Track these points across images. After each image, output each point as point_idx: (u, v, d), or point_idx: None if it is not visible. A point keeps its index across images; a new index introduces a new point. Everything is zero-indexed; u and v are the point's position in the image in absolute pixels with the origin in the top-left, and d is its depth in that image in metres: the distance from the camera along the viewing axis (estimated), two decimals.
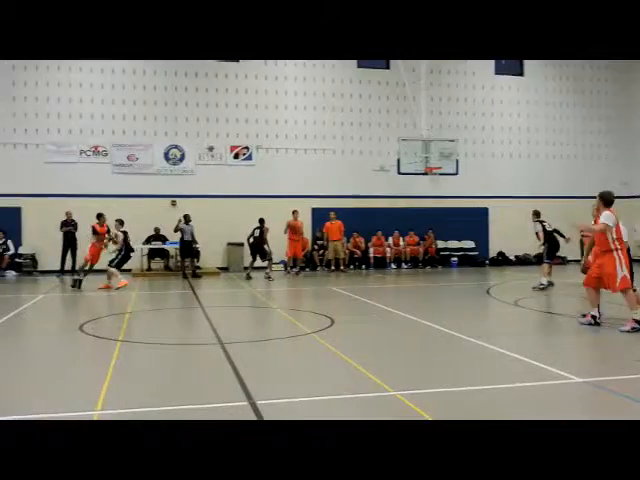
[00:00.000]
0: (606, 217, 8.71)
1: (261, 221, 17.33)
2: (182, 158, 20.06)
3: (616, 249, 8.69)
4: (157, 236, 19.15)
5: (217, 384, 6.30)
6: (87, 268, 15.03)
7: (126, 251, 14.99)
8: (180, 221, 17.57)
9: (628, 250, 9.35)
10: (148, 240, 19.09)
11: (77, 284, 14.53)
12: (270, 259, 17.38)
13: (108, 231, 15.12)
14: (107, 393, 5.74)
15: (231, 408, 5.29)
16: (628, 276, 8.75)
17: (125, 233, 15.02)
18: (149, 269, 18.90)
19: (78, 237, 17.92)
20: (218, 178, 20.06)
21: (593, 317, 8.97)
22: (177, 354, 7.85)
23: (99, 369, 6.68)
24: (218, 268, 19.33)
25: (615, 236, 8.71)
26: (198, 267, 18.51)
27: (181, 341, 8.62)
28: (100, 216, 15.21)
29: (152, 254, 19.14)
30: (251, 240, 17.40)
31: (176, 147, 20.03)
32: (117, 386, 6.05)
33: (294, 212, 18.81)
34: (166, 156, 19.98)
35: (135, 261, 18.77)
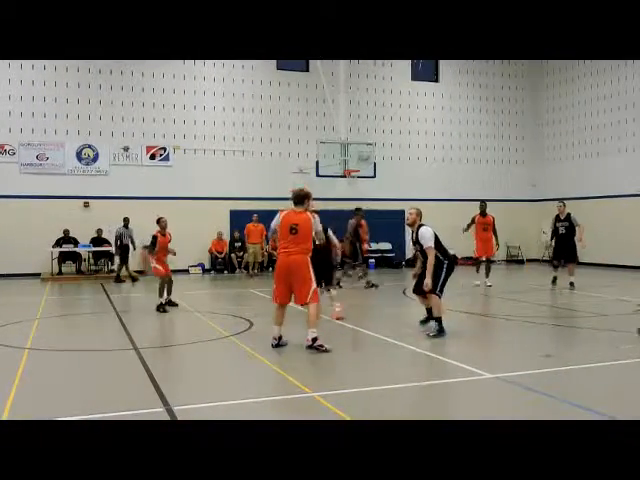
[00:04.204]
0: None
1: (358, 210, 15.28)
2: (95, 158, 19.40)
3: None
4: (67, 238, 18.43)
5: (131, 390, 6.11)
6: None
7: None
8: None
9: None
10: (58, 243, 18.33)
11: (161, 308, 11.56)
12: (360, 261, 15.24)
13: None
14: (12, 405, 5.45)
15: (146, 414, 5.13)
16: None
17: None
18: (60, 273, 18.15)
19: None
20: (133, 179, 19.52)
21: None
22: (89, 361, 7.56)
23: (3, 379, 6.34)
24: (134, 271, 18.78)
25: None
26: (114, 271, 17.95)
27: (93, 347, 8.30)
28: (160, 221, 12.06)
29: (63, 257, 18.38)
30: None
31: (89, 147, 19.34)
32: (23, 396, 5.76)
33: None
34: (78, 156, 19.26)
35: (45, 265, 18.04)
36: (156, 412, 5.17)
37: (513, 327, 9.49)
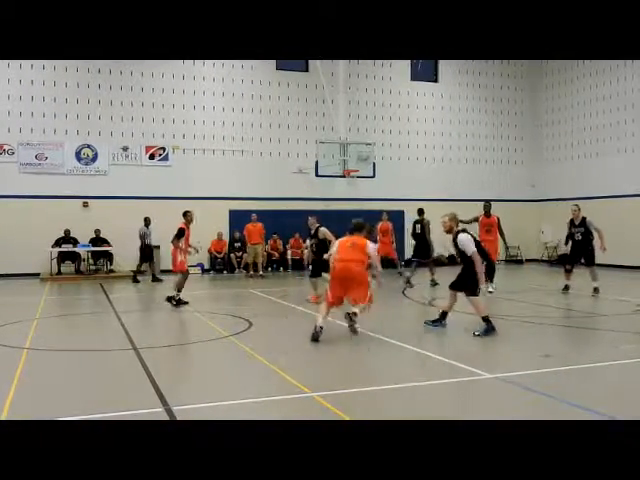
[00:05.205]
0: None
1: (421, 212, 15.87)
2: (95, 158, 19.38)
3: None
4: (67, 238, 18.41)
5: (130, 390, 6.11)
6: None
7: None
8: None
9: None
10: (58, 243, 18.31)
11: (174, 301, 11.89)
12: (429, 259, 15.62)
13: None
14: (11, 405, 5.44)
15: (146, 415, 5.13)
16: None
17: None
18: (59, 273, 18.14)
19: None
20: (133, 179, 19.50)
21: None
22: (88, 361, 7.55)
23: (2, 379, 6.33)
24: (132, 271, 18.76)
25: None
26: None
27: (92, 347, 8.30)
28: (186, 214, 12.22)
29: (62, 257, 18.36)
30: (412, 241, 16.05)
31: (88, 146, 19.32)
32: (22, 396, 5.75)
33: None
34: (77, 156, 19.25)
35: (44, 265, 18.02)
36: (155, 412, 5.17)
37: (512, 327, 9.49)
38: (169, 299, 11.85)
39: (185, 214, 12.11)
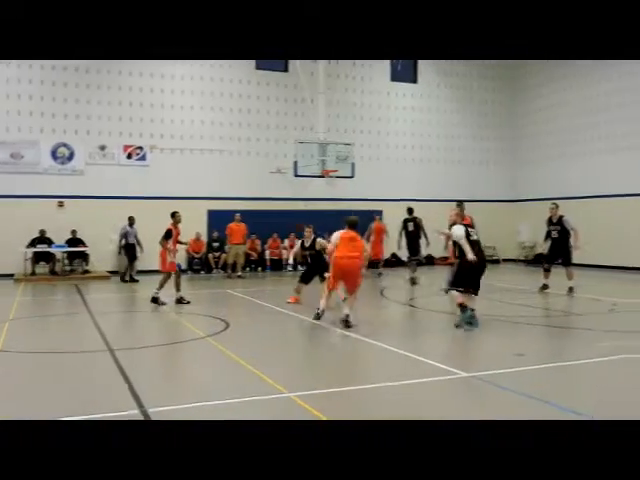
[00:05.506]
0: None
1: (411, 211, 16.26)
2: (71, 157, 19.13)
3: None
4: (43, 239, 18.15)
5: (105, 392, 6.03)
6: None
7: None
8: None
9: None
10: (33, 243, 18.05)
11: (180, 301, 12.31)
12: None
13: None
14: None
15: (121, 417, 5.06)
16: None
17: None
18: (33, 273, 17.88)
19: None
20: (109, 178, 19.26)
21: None
22: (62, 363, 7.44)
23: None
24: (108, 272, 18.59)
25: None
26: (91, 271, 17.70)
27: (66, 349, 8.18)
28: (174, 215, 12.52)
29: (37, 258, 18.10)
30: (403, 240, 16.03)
31: (65, 145, 19.07)
32: None
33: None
34: (54, 154, 18.98)
35: (18, 265, 17.76)
36: (131, 414, 5.10)
37: (489, 326, 9.54)
38: (178, 300, 12.23)
39: (173, 215, 12.39)
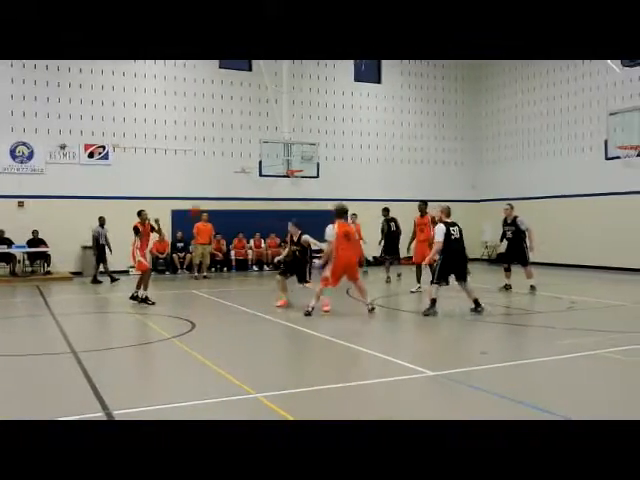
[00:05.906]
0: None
1: (388, 211, 16.25)
2: (30, 156, 18.77)
3: None
4: (2, 239, 17.76)
5: (68, 395, 5.94)
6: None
7: None
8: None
9: None
10: None
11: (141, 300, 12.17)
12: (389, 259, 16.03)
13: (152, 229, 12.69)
14: None
15: (85, 420, 4.99)
16: None
17: None
18: None
19: None
20: (71, 178, 18.96)
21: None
22: (23, 365, 7.30)
23: None
24: (71, 273, 18.29)
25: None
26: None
27: (27, 351, 8.04)
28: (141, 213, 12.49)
29: None
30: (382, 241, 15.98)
31: (24, 144, 18.69)
32: None
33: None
34: (12, 153, 18.59)
35: None
36: (95, 417, 5.05)
37: (453, 325, 9.68)
38: (143, 299, 12.05)
39: (139, 213, 12.37)
